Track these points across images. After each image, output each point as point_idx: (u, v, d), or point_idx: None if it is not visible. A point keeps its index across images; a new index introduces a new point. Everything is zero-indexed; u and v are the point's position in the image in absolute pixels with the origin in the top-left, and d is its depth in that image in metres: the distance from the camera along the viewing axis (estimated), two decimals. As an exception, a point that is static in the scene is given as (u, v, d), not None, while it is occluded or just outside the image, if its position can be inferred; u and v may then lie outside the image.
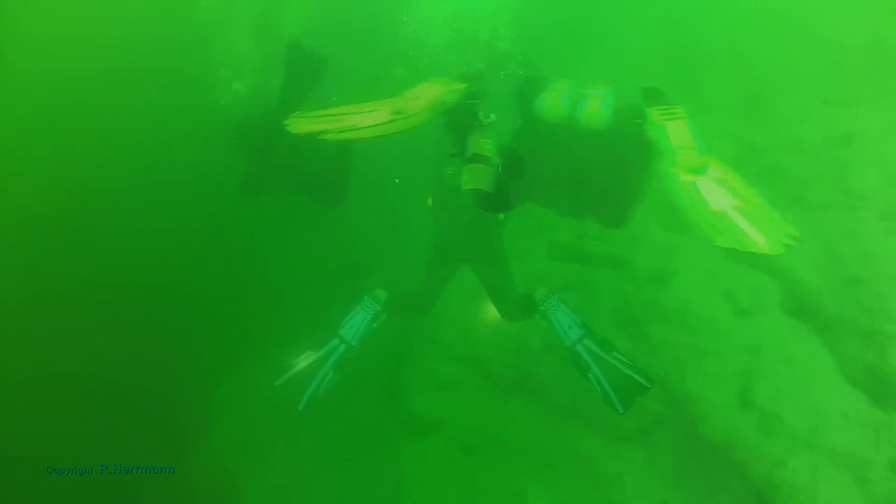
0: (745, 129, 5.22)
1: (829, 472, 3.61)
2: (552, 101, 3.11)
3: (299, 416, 3.18)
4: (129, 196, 6.30)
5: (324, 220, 8.06)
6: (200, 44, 6.17)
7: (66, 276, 7.34)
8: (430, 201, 4.07)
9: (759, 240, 2.22)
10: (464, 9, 6.92)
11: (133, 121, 5.65)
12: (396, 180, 7.57)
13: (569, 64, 7.20)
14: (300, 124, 3.19)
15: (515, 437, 5.19)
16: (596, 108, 2.97)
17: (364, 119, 3.20)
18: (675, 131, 3.37)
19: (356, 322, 3.33)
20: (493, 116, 4.55)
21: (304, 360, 3.16)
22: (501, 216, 3.91)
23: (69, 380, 7.29)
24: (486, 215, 3.77)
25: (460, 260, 3.81)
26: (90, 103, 5.56)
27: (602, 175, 3.14)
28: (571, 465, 4.88)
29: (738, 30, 5.60)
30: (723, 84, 5.53)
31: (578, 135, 3.19)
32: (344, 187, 3.60)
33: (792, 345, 4.21)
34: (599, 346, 3.09)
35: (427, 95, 3.33)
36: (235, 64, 6.01)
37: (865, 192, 4.34)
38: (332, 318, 3.40)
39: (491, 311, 3.89)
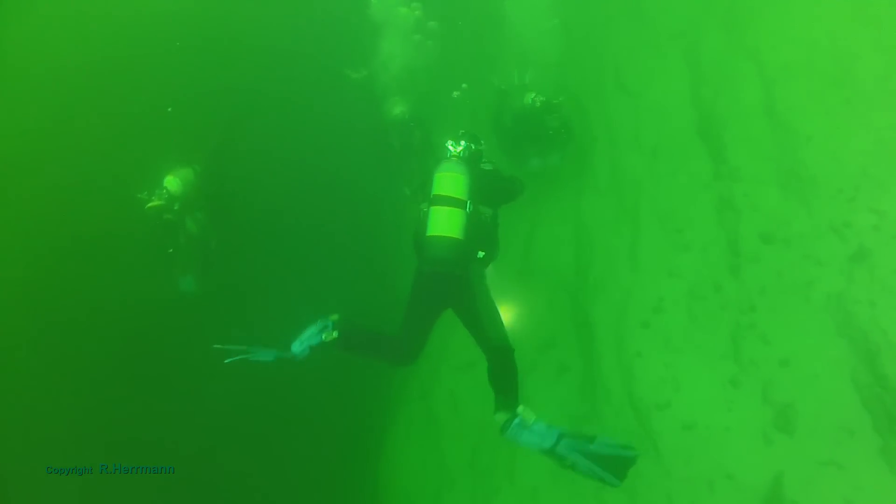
0: (777, 203, 4.53)
1: None
2: None
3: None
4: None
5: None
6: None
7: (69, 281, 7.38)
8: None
9: None
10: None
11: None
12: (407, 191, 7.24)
13: (588, 109, 6.56)
14: None
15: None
16: None
17: None
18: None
19: (307, 338, 3.33)
20: (463, 143, 3.94)
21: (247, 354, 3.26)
22: (481, 254, 3.56)
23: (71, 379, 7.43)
24: (463, 259, 3.45)
25: (441, 306, 3.52)
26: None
27: None
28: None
29: (778, 85, 4.87)
30: (756, 147, 4.81)
31: None
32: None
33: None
34: (578, 443, 2.85)
35: None
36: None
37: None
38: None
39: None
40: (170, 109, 7.23)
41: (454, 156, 3.88)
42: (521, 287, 5.75)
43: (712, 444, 4.13)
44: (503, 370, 3.25)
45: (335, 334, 3.32)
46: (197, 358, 7.26)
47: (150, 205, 5.03)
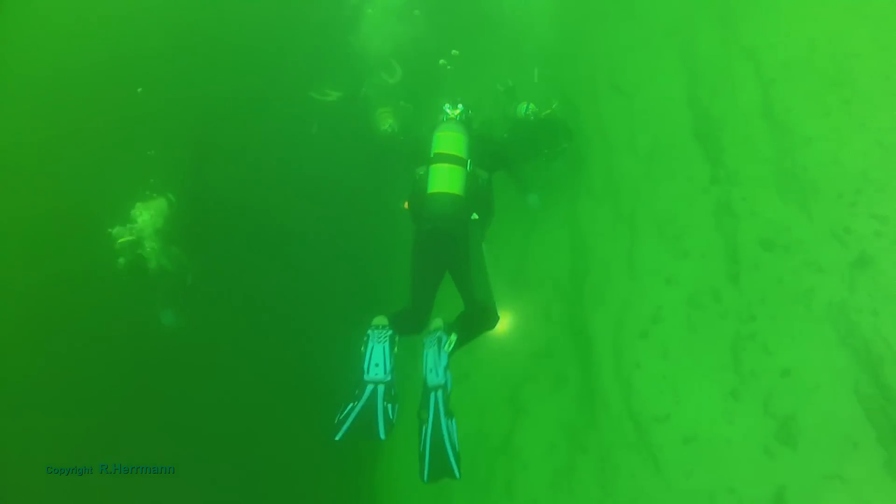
0: (777, 208, 4.42)
1: None
2: None
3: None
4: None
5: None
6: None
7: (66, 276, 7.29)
8: (405, 204, 3.70)
9: None
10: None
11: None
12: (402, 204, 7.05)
13: (581, 109, 6.42)
14: None
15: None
16: None
17: None
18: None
19: (377, 357, 3.02)
20: (461, 107, 4.01)
21: (352, 412, 2.92)
22: (475, 216, 3.55)
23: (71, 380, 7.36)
24: (463, 217, 3.48)
25: (441, 266, 3.51)
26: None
27: None
28: None
29: (776, 85, 4.75)
30: (754, 150, 4.70)
31: None
32: None
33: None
34: (443, 408, 2.87)
35: None
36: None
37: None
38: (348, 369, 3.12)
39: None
40: (140, 90, 6.98)
41: (451, 118, 3.95)
42: (517, 295, 5.63)
43: (713, 457, 4.04)
44: (473, 321, 3.29)
45: (397, 339, 3.18)
46: (196, 360, 7.21)
47: (121, 240, 4.84)
